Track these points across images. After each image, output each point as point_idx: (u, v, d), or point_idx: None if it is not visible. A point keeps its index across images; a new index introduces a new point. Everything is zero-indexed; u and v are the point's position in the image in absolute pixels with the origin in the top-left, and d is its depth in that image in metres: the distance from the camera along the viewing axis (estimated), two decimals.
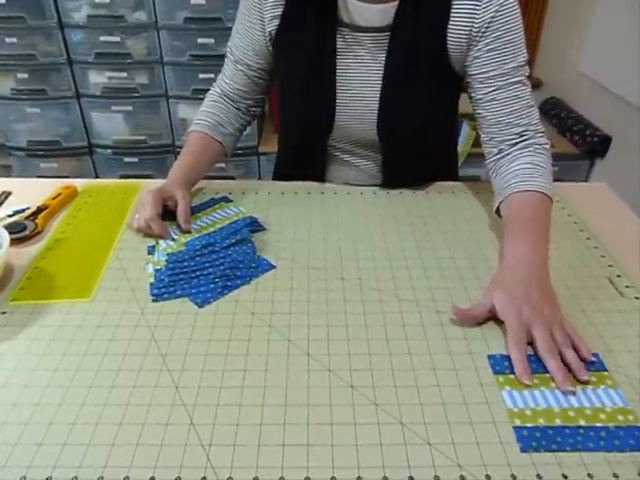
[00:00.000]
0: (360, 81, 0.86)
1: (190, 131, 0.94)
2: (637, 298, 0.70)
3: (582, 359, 0.59)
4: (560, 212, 0.89)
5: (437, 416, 0.54)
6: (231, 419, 0.54)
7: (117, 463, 0.49)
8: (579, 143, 2.13)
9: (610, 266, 0.76)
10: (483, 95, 0.82)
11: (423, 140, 0.90)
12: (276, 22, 0.85)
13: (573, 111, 2.25)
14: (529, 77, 0.82)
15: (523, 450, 0.51)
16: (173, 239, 0.79)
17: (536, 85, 2.35)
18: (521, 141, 0.81)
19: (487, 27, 0.77)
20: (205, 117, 0.94)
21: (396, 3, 0.78)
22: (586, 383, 0.57)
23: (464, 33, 0.79)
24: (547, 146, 0.82)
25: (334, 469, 0.49)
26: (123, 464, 0.49)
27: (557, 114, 2.28)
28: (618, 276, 0.74)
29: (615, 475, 0.49)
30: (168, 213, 0.83)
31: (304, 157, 0.97)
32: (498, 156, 0.83)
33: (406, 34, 0.80)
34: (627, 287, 0.72)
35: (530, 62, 0.82)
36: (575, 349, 0.60)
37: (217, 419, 0.54)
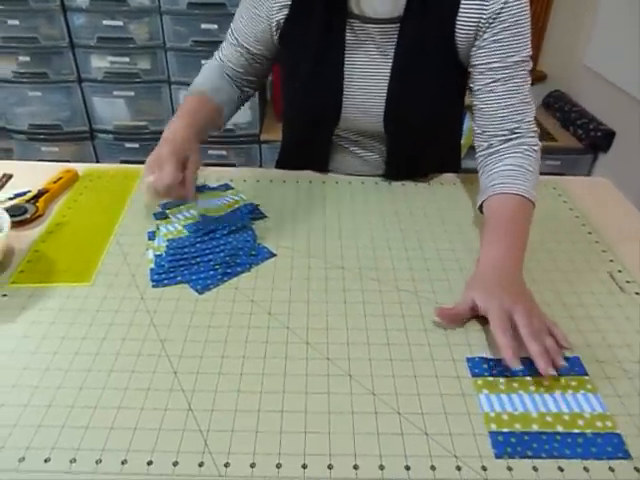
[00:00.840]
0: (368, 72, 0.85)
1: (188, 94, 0.90)
2: (637, 293, 0.70)
3: (562, 349, 0.59)
4: (562, 206, 0.89)
5: (434, 406, 0.54)
6: (229, 405, 0.54)
7: (115, 446, 0.50)
8: (582, 137, 2.13)
9: (611, 261, 0.76)
10: (481, 86, 0.81)
11: (428, 131, 0.90)
12: (285, 11, 0.83)
13: (577, 105, 2.24)
14: (531, 72, 0.81)
15: (498, 456, 0.49)
16: (174, 225, 0.79)
17: (540, 78, 2.34)
18: (512, 139, 0.81)
19: (495, 18, 0.76)
20: (203, 82, 0.91)
21: None
22: (565, 386, 0.56)
23: (473, 24, 0.78)
24: (537, 147, 0.81)
25: (331, 457, 0.49)
26: (121, 447, 0.50)
27: (560, 107, 2.27)
28: (619, 271, 0.74)
29: (585, 469, 0.49)
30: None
31: (308, 147, 0.96)
32: (487, 151, 0.83)
33: (415, 25, 0.79)
34: (628, 282, 0.72)
35: (535, 55, 0.81)
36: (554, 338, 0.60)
37: (215, 405, 0.54)
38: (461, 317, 0.64)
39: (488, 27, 0.77)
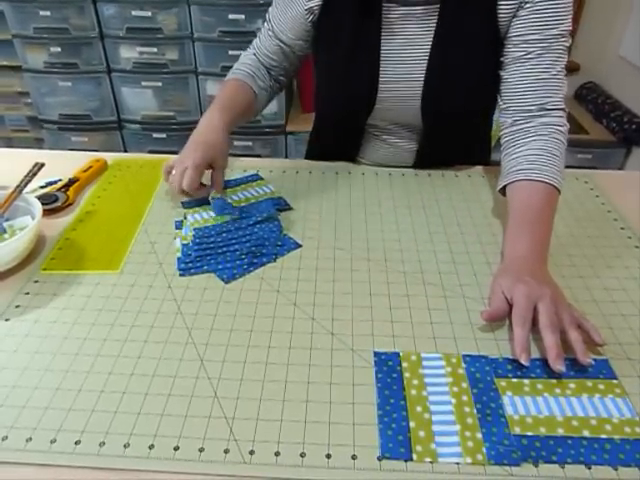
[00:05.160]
0: (405, 57, 0.82)
1: (227, 80, 0.93)
2: None
3: (594, 344, 0.58)
4: (594, 200, 0.87)
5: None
6: (254, 394, 0.54)
7: (143, 431, 0.51)
8: (616, 130, 2.07)
9: None
10: (513, 58, 0.77)
11: (465, 119, 0.88)
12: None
13: (611, 97, 2.18)
14: (569, 48, 0.77)
15: (522, 459, 0.48)
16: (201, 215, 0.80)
17: (573, 69, 2.28)
18: (538, 116, 0.77)
19: None
20: (241, 68, 0.93)
21: None
22: (593, 389, 0.54)
23: None
24: (564, 129, 0.78)
25: (355, 447, 0.49)
26: (149, 432, 0.51)
27: (593, 99, 2.21)
28: None
29: (614, 468, 0.48)
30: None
31: (340, 136, 0.95)
32: (511, 129, 0.80)
33: (456, 4, 0.76)
34: None
35: (570, 40, 0.77)
36: (585, 334, 0.58)
37: (240, 393, 0.54)
38: (502, 310, 0.62)
39: None
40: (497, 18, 0.76)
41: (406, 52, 0.82)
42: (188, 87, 2.14)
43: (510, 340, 0.60)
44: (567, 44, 0.76)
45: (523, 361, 0.56)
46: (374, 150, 0.96)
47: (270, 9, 0.90)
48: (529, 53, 0.76)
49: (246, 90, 0.91)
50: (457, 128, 0.89)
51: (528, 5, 0.74)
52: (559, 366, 0.54)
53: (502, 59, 0.79)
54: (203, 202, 0.82)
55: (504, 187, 0.78)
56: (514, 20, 0.76)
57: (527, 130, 0.78)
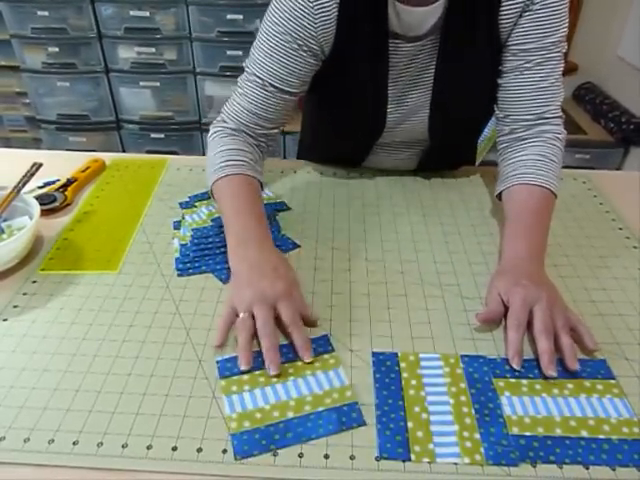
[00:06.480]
0: (411, 85, 0.81)
1: (224, 175, 0.74)
2: None
3: (588, 349, 0.58)
4: (592, 201, 0.87)
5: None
6: None
7: (141, 432, 0.51)
8: (614, 130, 2.07)
9: None
10: (513, 67, 0.77)
11: (469, 128, 0.87)
12: (330, 38, 0.75)
13: (609, 97, 2.18)
14: (565, 54, 0.77)
15: (520, 459, 0.48)
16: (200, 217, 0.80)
17: (571, 69, 2.28)
18: (536, 125, 0.77)
19: None
20: (236, 156, 0.77)
21: (442, 5, 0.73)
22: (591, 389, 0.55)
23: (518, 9, 0.73)
24: (561, 136, 0.78)
25: (353, 447, 0.49)
26: (147, 433, 0.50)
27: (591, 100, 2.22)
28: None
29: (612, 468, 0.48)
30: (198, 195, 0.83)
31: (342, 153, 0.94)
32: (509, 137, 0.80)
33: (459, 32, 0.75)
34: None
35: (567, 45, 0.77)
36: (580, 338, 0.59)
37: None
38: (498, 313, 0.62)
39: (530, 6, 0.72)
40: (499, 33, 0.75)
41: (412, 86, 0.81)
42: (186, 87, 2.14)
43: (505, 341, 0.60)
44: (564, 50, 0.76)
45: (515, 365, 0.56)
46: (375, 159, 0.95)
47: (259, 69, 0.76)
48: (528, 62, 0.75)
49: (256, 188, 0.76)
50: (460, 139, 0.89)
51: (528, 13, 0.73)
52: (551, 372, 0.55)
53: (500, 67, 0.79)
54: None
55: (500, 192, 0.79)
56: (514, 28, 0.75)
57: (525, 138, 0.78)
